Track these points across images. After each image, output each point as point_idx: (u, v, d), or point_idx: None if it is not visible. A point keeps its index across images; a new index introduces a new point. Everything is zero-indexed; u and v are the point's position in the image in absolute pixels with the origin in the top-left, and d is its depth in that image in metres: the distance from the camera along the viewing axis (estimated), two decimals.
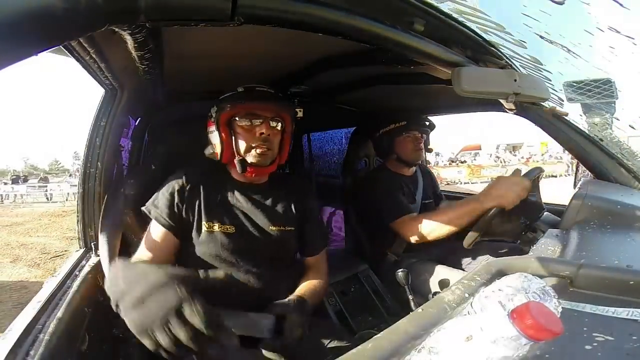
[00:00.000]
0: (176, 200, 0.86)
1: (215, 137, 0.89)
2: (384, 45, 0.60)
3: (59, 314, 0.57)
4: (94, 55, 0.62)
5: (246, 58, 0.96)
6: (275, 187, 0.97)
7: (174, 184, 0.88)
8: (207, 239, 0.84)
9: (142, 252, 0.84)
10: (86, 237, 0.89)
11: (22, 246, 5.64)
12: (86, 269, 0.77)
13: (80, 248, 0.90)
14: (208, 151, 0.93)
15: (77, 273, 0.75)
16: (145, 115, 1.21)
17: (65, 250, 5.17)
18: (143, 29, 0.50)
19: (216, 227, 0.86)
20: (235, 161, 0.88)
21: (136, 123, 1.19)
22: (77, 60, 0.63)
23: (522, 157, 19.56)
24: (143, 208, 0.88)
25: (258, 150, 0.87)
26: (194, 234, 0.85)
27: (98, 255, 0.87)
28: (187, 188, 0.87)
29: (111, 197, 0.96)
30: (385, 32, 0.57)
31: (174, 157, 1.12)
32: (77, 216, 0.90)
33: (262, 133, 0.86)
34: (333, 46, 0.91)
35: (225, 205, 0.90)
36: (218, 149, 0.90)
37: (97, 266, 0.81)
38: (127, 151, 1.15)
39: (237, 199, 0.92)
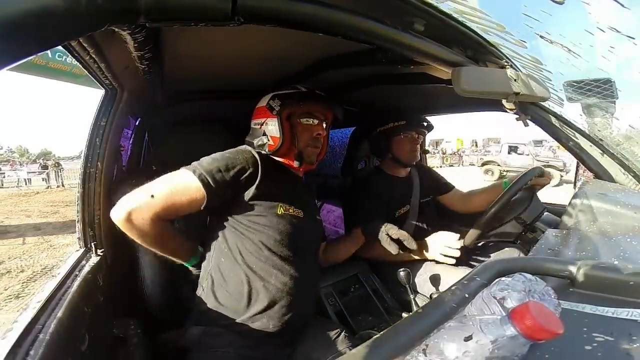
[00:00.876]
0: (243, 178, 0.82)
1: (274, 130, 0.91)
2: (384, 45, 0.60)
3: (59, 314, 0.57)
4: (94, 55, 0.62)
5: (246, 58, 0.96)
6: (309, 183, 1.08)
7: (245, 163, 0.84)
8: (284, 221, 0.86)
9: (156, 189, 0.77)
10: (86, 237, 0.89)
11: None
12: (86, 269, 0.77)
13: (80, 248, 0.90)
14: (260, 142, 0.93)
15: (77, 273, 0.75)
16: (145, 115, 1.21)
17: None
18: (143, 29, 0.50)
19: (291, 209, 0.89)
20: (294, 154, 0.93)
21: (136, 123, 1.19)
22: (77, 60, 0.63)
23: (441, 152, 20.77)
24: (186, 167, 0.81)
25: (312, 149, 0.95)
26: (265, 216, 0.84)
27: (98, 255, 0.87)
28: (263, 168, 0.85)
29: (111, 197, 0.96)
30: (385, 32, 0.57)
31: (174, 157, 1.12)
32: (77, 216, 0.90)
33: (320, 134, 0.94)
34: (333, 46, 0.91)
35: (293, 191, 0.94)
36: (278, 141, 0.91)
37: (97, 266, 0.81)
38: (127, 151, 1.15)
39: (301, 186, 1.00)
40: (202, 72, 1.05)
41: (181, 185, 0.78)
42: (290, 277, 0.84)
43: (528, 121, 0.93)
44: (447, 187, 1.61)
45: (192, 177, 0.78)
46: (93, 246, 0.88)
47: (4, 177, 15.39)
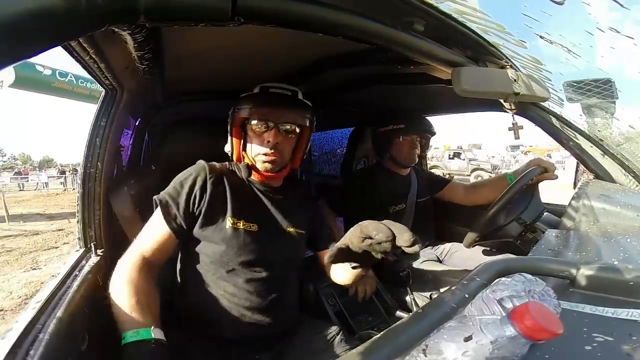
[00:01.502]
0: (196, 191, 0.82)
1: (228, 136, 0.89)
2: (384, 45, 0.60)
3: (59, 314, 0.57)
4: (93, 56, 0.62)
5: (246, 58, 0.96)
6: (290, 190, 0.96)
7: (195, 174, 0.84)
8: (232, 235, 0.81)
9: (140, 248, 0.79)
10: (86, 237, 0.89)
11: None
12: (86, 269, 0.77)
13: (80, 248, 0.90)
14: (227, 148, 0.91)
15: (77, 273, 0.75)
16: (145, 115, 1.21)
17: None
18: (143, 29, 0.50)
19: (241, 224, 0.83)
20: (241, 165, 0.87)
21: (136, 123, 1.19)
22: (77, 60, 0.63)
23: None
24: (156, 197, 0.82)
25: (264, 158, 0.84)
26: (212, 228, 0.82)
27: (98, 255, 0.87)
28: (211, 179, 0.84)
29: (111, 197, 0.96)
30: (385, 32, 0.57)
31: (174, 157, 1.12)
32: (77, 216, 0.90)
33: (269, 141, 0.82)
34: (333, 46, 0.91)
35: (249, 203, 0.87)
36: (229, 149, 0.90)
37: (97, 266, 0.81)
38: (127, 151, 1.15)
39: (260, 198, 0.90)
40: (202, 72, 1.05)
41: (158, 235, 0.80)
42: (240, 290, 0.82)
43: (516, 119, 0.91)
44: (444, 182, 1.61)
45: (162, 223, 0.80)
46: (93, 246, 0.88)
47: (27, 181, 17.27)
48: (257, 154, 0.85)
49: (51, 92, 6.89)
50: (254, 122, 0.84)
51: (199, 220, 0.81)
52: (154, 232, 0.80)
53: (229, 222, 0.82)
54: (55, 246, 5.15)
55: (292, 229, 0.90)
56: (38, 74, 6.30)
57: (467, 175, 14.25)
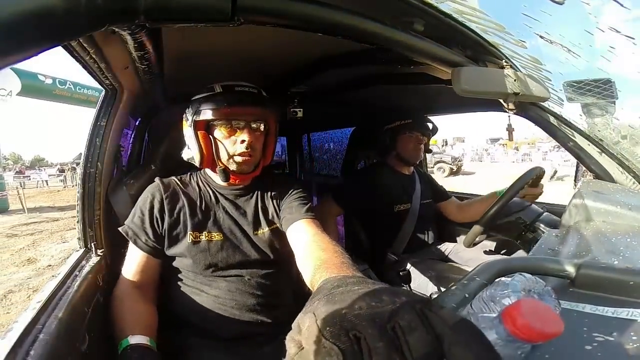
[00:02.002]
0: (156, 214, 0.83)
1: (192, 142, 0.83)
2: (384, 45, 0.60)
3: (59, 314, 0.57)
4: (93, 56, 0.62)
5: (246, 58, 0.96)
6: (259, 187, 0.92)
7: (151, 197, 0.85)
8: (194, 249, 0.81)
9: (127, 275, 0.82)
10: (86, 237, 0.89)
11: None
12: (86, 269, 0.77)
13: (80, 248, 0.89)
14: (186, 155, 0.90)
15: (77, 273, 0.75)
16: (145, 115, 1.21)
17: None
18: (143, 29, 0.50)
19: (203, 236, 0.82)
20: (217, 170, 0.84)
21: (136, 123, 1.19)
22: (77, 60, 0.63)
23: None
24: (121, 229, 0.84)
25: (240, 158, 0.82)
26: (178, 245, 0.83)
27: (98, 255, 0.87)
28: (167, 199, 0.84)
29: (111, 197, 0.96)
30: (385, 32, 0.57)
31: (174, 158, 1.12)
32: (77, 216, 0.90)
33: (244, 140, 0.80)
34: (333, 46, 0.91)
35: (209, 213, 0.85)
36: (197, 156, 0.84)
37: (97, 266, 0.81)
38: (127, 151, 1.15)
39: (221, 205, 0.87)
40: (202, 72, 1.05)
41: (137, 259, 0.83)
42: (224, 292, 0.83)
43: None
44: (445, 196, 1.62)
45: (136, 249, 0.82)
46: (93, 246, 0.88)
47: (29, 179, 18.04)
48: (232, 155, 0.82)
49: (53, 99, 7.46)
50: (222, 122, 0.81)
51: (166, 241, 0.83)
52: (133, 258, 0.83)
53: (190, 237, 0.82)
54: (74, 228, 5.75)
55: (260, 231, 0.87)
56: (40, 82, 6.83)
57: (431, 168, 14.49)
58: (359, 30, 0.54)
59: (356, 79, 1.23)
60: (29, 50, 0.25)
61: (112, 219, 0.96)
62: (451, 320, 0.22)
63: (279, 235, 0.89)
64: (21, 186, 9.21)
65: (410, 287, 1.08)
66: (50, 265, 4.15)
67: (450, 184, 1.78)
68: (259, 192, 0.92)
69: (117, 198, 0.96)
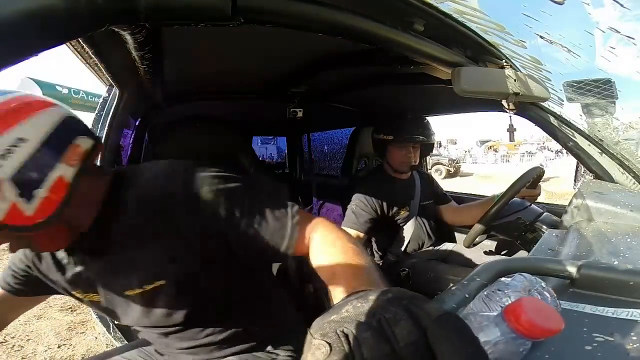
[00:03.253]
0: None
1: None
2: (384, 45, 0.60)
3: None
4: (93, 56, 0.62)
5: (246, 58, 0.96)
6: (116, 237, 0.57)
7: (31, 260, 0.63)
8: (88, 305, 0.67)
9: None
10: None
11: None
12: None
13: None
14: None
15: None
16: (145, 115, 1.21)
17: None
18: (143, 29, 0.50)
19: (84, 296, 0.64)
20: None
21: (136, 123, 1.19)
22: (78, 59, 0.63)
23: None
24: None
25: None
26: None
27: None
28: (34, 264, 0.63)
29: None
30: (385, 32, 0.57)
31: (174, 158, 1.12)
32: None
33: None
34: (333, 46, 0.91)
35: (77, 271, 0.61)
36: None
37: None
38: (127, 151, 1.15)
39: (82, 260, 0.61)
40: (202, 72, 1.05)
41: None
42: (165, 338, 0.66)
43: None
44: (445, 199, 1.61)
45: None
46: None
47: None
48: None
49: (70, 108, 7.87)
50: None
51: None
52: None
53: (78, 296, 0.65)
54: None
55: (135, 291, 0.58)
56: (59, 92, 7.13)
57: (429, 169, 14.45)
58: (359, 30, 0.54)
59: (356, 79, 1.23)
60: (29, 49, 0.25)
61: None
62: (435, 314, 0.23)
63: (167, 293, 0.59)
64: None
65: (409, 287, 1.08)
66: None
67: (447, 187, 1.77)
68: (122, 243, 0.60)
69: None
